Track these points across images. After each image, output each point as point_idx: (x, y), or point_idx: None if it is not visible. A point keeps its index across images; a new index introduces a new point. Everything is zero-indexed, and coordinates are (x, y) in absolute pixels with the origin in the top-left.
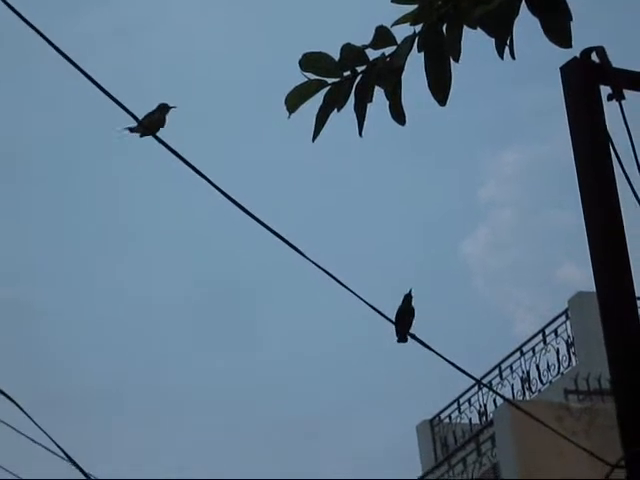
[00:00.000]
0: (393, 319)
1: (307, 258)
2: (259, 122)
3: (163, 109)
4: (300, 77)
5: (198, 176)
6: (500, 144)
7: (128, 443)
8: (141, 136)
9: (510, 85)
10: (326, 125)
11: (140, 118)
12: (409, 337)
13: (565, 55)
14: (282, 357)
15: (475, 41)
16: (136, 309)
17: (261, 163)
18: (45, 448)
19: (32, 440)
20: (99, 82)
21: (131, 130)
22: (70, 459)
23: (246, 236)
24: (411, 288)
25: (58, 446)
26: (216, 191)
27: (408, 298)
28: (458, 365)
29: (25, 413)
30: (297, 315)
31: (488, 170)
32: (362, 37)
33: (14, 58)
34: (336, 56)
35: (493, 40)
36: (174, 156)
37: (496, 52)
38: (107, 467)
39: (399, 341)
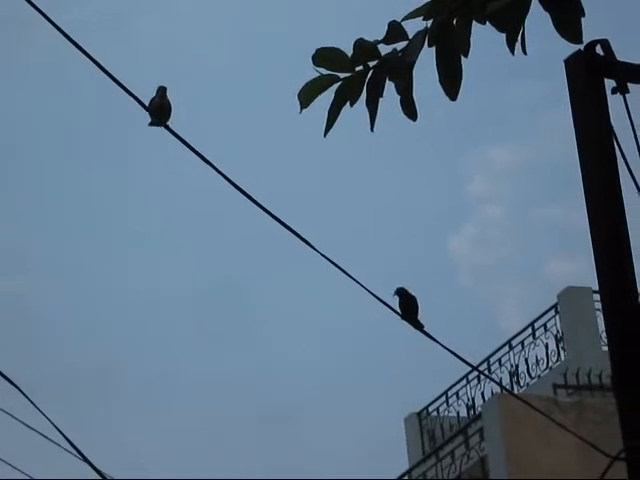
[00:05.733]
0: (397, 312)
1: (315, 249)
2: (256, 109)
3: (163, 94)
4: (298, 65)
5: (201, 168)
6: (489, 140)
7: (127, 433)
8: (150, 124)
9: (501, 79)
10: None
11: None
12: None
13: (557, 49)
14: (280, 349)
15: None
16: (137, 302)
17: (260, 153)
18: (57, 444)
19: (44, 436)
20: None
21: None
22: (84, 457)
23: (247, 229)
24: (402, 287)
25: (71, 444)
26: (219, 184)
27: (404, 291)
28: (458, 354)
29: (39, 410)
30: (295, 308)
31: (476, 166)
32: (365, 31)
33: (10, 43)
34: (346, 50)
35: (487, 33)
36: (177, 147)
37: (507, 47)
38: (109, 458)
39: (416, 328)
